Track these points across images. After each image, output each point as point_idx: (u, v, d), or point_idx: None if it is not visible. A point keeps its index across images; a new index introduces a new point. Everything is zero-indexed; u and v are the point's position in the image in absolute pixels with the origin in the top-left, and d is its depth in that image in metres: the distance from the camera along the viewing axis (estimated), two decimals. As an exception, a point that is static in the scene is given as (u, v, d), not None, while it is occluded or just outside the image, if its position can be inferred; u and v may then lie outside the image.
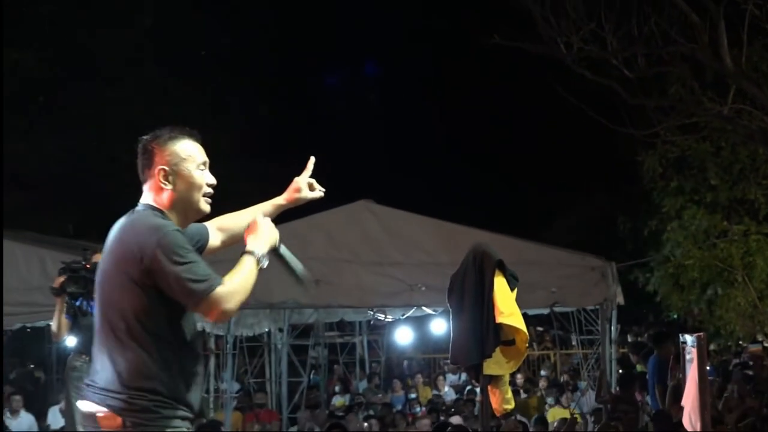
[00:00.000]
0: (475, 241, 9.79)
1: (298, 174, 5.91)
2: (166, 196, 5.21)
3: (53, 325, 10.83)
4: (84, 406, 5.07)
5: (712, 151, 26.72)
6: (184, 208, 5.27)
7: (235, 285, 5.04)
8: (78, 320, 10.58)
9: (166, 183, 5.20)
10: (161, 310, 5.03)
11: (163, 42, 31.06)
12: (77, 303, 10.56)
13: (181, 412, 5.07)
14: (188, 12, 31.56)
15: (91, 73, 30.10)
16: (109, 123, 29.80)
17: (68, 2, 29.56)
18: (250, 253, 5.21)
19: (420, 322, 25.44)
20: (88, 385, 5.10)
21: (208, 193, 5.36)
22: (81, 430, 5.32)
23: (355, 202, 18.55)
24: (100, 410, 4.98)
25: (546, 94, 22.56)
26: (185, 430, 5.08)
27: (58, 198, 29.82)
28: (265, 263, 5.26)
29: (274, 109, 35.88)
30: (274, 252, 5.40)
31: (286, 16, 36.03)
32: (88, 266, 10.66)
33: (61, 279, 10.65)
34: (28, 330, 20.74)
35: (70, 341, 10.71)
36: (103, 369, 5.02)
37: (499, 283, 8.53)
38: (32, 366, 27.28)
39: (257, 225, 5.34)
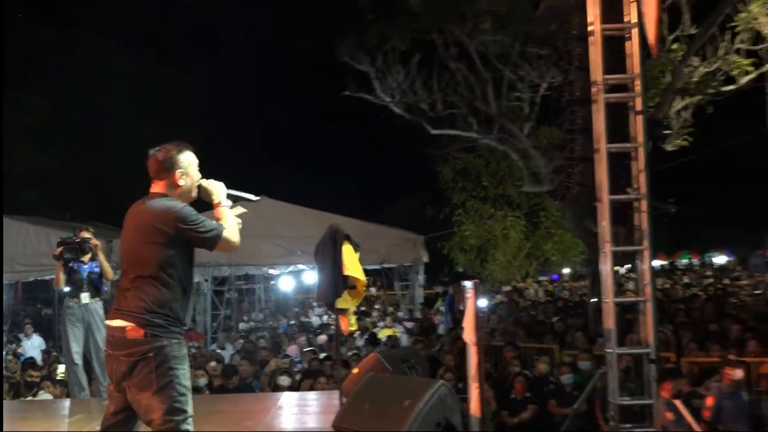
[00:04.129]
0: (332, 222, 9.81)
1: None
2: (178, 189, 5.37)
3: (54, 278, 10.80)
4: (114, 323, 5.14)
5: (485, 164, 27.10)
6: (187, 197, 5.42)
7: (231, 226, 5.37)
8: (71, 276, 10.60)
9: (181, 180, 5.36)
10: (174, 262, 5.18)
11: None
12: (70, 264, 10.58)
13: (179, 329, 5.19)
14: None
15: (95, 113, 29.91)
16: (95, 147, 29.64)
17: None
18: (222, 204, 5.47)
19: (297, 274, 25.45)
20: (116, 309, 5.20)
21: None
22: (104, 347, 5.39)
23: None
24: (128, 325, 5.07)
25: (383, 127, 22.56)
26: (182, 339, 5.20)
27: (60, 196, 29.59)
28: (230, 203, 5.51)
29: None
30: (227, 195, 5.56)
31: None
32: (77, 240, 10.70)
33: (60, 249, 10.67)
34: (39, 280, 20.62)
35: (66, 289, 10.65)
36: (131, 299, 5.12)
37: (347, 249, 8.54)
38: (40, 305, 27.34)
39: (210, 187, 5.51)
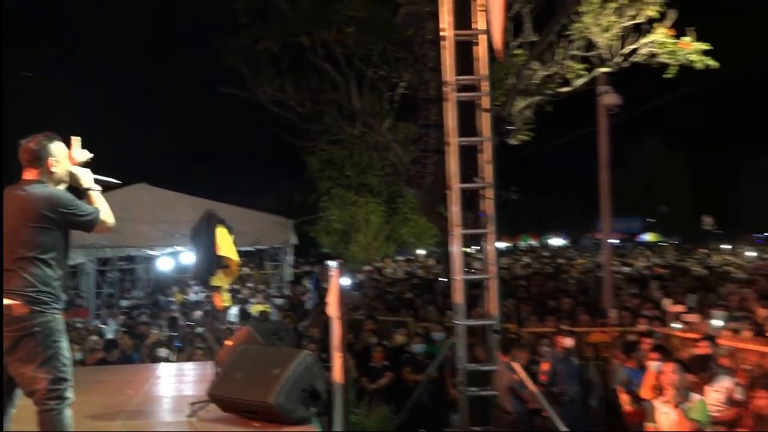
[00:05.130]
0: (207, 207, 9.74)
1: None
2: (53, 176, 5.27)
3: None
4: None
5: (349, 155, 27.14)
6: (59, 183, 5.32)
7: (105, 208, 5.37)
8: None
9: (54, 168, 5.28)
10: (57, 244, 5.15)
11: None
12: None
13: (59, 305, 5.15)
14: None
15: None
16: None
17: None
18: (91, 189, 5.41)
19: (176, 255, 25.06)
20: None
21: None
22: None
23: (136, 184, 18.23)
24: (14, 303, 4.97)
25: (256, 121, 22.38)
26: (62, 315, 5.15)
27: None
28: (99, 188, 5.45)
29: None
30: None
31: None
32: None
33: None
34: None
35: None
36: (14, 279, 5.01)
37: (221, 231, 8.46)
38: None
39: (78, 173, 5.42)
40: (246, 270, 28.38)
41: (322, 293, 18.26)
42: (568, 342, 11.44)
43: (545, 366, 11.23)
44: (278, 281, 23.18)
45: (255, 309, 18.68)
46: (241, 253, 9.45)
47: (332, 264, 7.62)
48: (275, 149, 32.56)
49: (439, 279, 19.56)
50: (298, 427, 6.65)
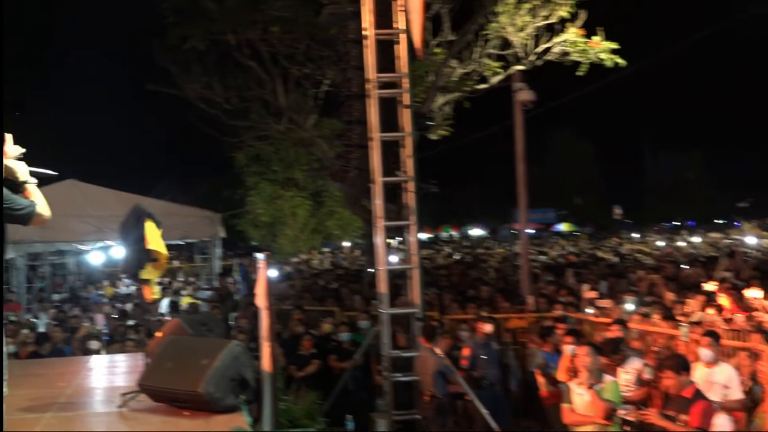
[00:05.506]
0: (135, 203, 9.61)
1: None
2: None
3: None
4: None
5: (275, 151, 27.04)
6: None
7: (41, 201, 5.22)
8: None
9: None
10: None
11: None
12: None
13: None
14: None
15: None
16: None
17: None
18: (27, 182, 5.27)
19: (107, 249, 24.71)
20: None
21: None
22: None
23: (65, 180, 17.90)
24: None
25: (184, 117, 22.02)
26: None
27: None
28: (35, 180, 5.31)
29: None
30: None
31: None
32: None
33: None
34: None
35: None
36: None
37: (150, 225, 8.37)
38: None
39: (14, 167, 5.26)
40: (176, 263, 28.14)
41: (250, 285, 18.16)
42: (488, 328, 11.55)
43: (466, 351, 11.32)
44: (207, 274, 23.04)
45: (185, 301, 18.53)
46: (170, 247, 9.38)
47: (260, 256, 7.58)
48: (202, 144, 32.35)
49: (367, 270, 19.60)
50: (227, 414, 6.61)
